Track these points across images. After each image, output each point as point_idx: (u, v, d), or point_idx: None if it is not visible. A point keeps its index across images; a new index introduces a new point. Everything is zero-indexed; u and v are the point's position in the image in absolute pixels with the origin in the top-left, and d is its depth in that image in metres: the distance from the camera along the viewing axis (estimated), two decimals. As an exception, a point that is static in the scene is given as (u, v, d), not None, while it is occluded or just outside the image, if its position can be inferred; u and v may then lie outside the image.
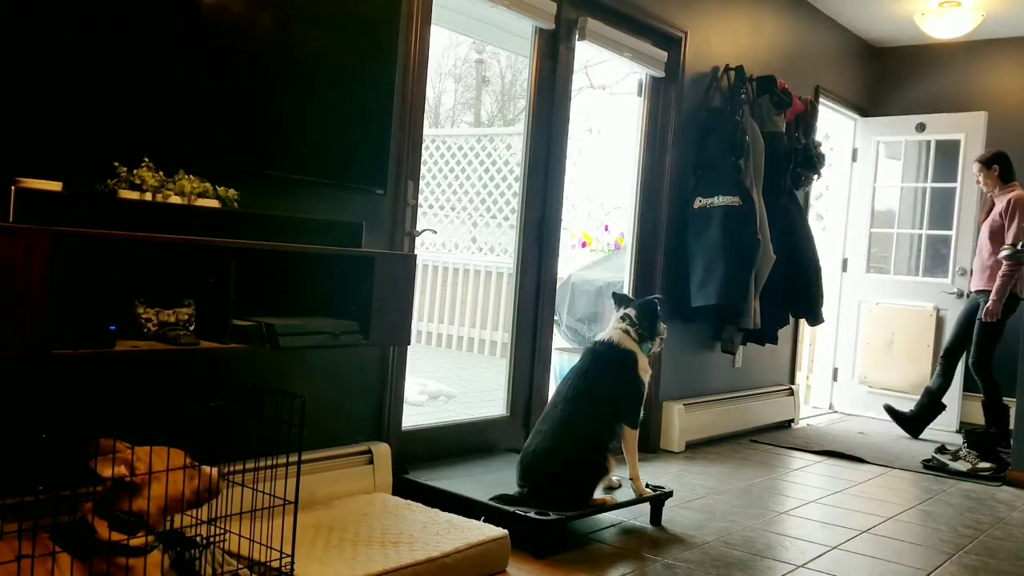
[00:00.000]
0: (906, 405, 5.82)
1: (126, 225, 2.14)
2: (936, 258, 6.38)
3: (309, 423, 2.37)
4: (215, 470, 2.13)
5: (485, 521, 2.92)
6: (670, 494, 3.47)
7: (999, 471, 4.66)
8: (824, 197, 7.28)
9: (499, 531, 2.81)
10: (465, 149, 8.34)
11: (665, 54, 4.68)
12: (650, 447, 4.72)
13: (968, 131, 6.14)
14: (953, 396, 5.79)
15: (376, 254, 2.80)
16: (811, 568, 3.06)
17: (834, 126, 6.80)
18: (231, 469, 2.34)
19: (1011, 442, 4.75)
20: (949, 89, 6.53)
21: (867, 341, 6.45)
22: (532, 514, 2.95)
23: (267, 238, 2.46)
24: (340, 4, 2.87)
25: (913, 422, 5.72)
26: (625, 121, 6.21)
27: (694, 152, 4.89)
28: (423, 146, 3.49)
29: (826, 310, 5.51)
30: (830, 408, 6.65)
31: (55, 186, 2.08)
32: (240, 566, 2.26)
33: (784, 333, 5.62)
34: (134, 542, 1.95)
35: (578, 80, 4.95)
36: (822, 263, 5.43)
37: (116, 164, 2.24)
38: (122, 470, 1.95)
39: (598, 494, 3.23)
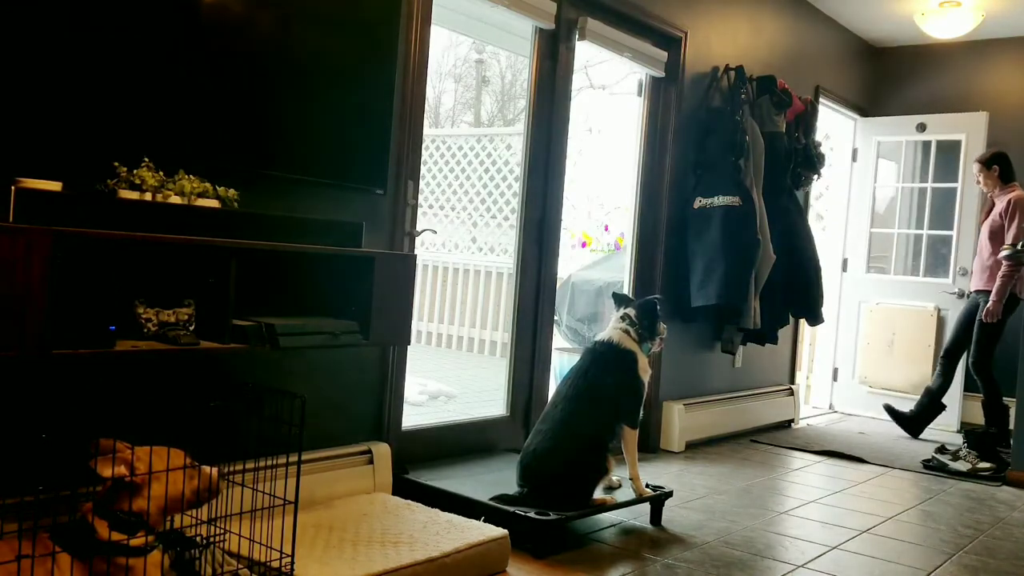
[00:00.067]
0: (907, 405, 5.82)
1: (126, 225, 2.14)
2: (937, 258, 6.38)
3: (309, 423, 2.37)
4: (215, 470, 2.13)
5: (485, 521, 2.92)
6: (670, 494, 3.47)
7: (999, 471, 4.66)
8: (824, 197, 7.28)
9: (499, 531, 2.81)
10: (465, 149, 8.34)
11: (665, 54, 4.68)
12: (650, 447, 4.72)
13: (969, 131, 6.14)
14: (953, 396, 5.80)
15: (376, 254, 2.80)
16: (811, 568, 3.06)
17: (834, 126, 6.80)
18: (231, 469, 2.34)
19: (1011, 442, 4.75)
20: (949, 89, 6.53)
21: (867, 341, 6.45)
22: (532, 514, 2.95)
23: (267, 238, 2.46)
24: (340, 4, 2.87)
25: (913, 422, 5.72)
26: (625, 121, 6.21)
27: (694, 152, 4.89)
28: (423, 146, 3.49)
29: (826, 310, 5.51)
30: (830, 408, 6.65)
31: (55, 186, 2.08)
32: (240, 566, 2.26)
33: (784, 333, 5.62)
34: (134, 542, 1.95)
35: (578, 80, 4.95)
36: (822, 263, 5.43)
37: (116, 164, 2.24)
38: (122, 470, 1.95)
39: (598, 494, 3.23)
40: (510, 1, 3.71)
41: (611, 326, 3.42)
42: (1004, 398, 5.14)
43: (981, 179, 5.46)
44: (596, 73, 7.84)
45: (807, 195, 5.94)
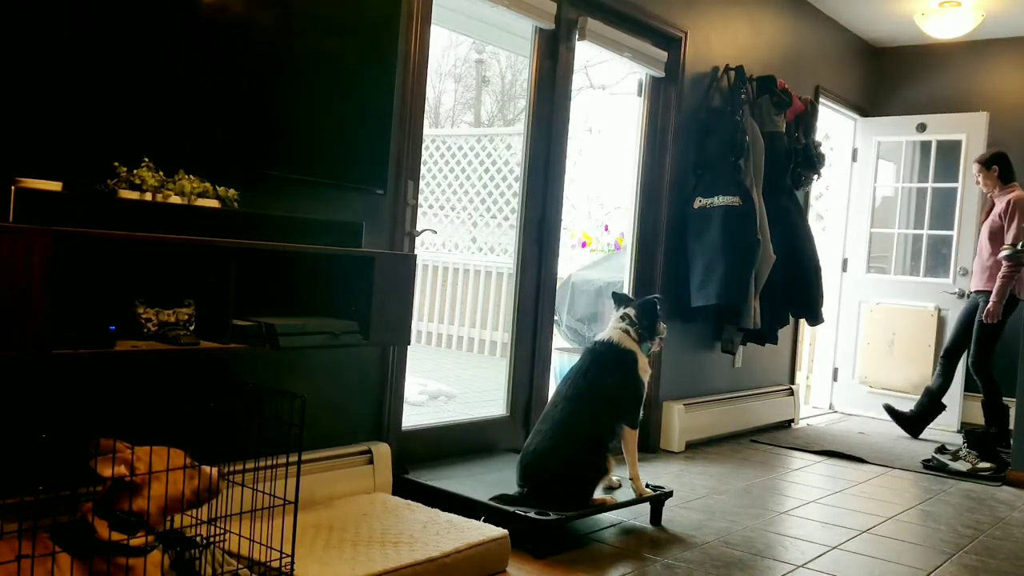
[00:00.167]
0: (907, 405, 5.82)
1: (126, 225, 2.14)
2: (937, 258, 6.38)
3: (309, 423, 2.37)
4: (215, 470, 2.13)
5: (485, 521, 2.92)
6: (670, 494, 3.47)
7: (999, 471, 4.66)
8: (824, 197, 7.28)
9: (499, 531, 2.81)
10: (465, 149, 8.34)
11: (665, 54, 4.68)
12: (650, 447, 4.72)
13: (969, 131, 6.14)
14: (953, 396, 5.80)
15: (376, 254, 2.80)
16: (811, 568, 3.06)
17: (834, 126, 6.80)
18: (231, 469, 2.34)
19: (1011, 442, 4.75)
20: (949, 89, 6.53)
21: (867, 341, 6.45)
22: (532, 514, 2.95)
23: (267, 238, 2.46)
24: (340, 4, 2.87)
25: (913, 422, 5.72)
26: (625, 121, 6.21)
27: (694, 152, 4.89)
28: (423, 146, 3.49)
29: (826, 310, 5.51)
30: (830, 408, 6.65)
31: (55, 186, 2.08)
32: (240, 566, 2.26)
33: (784, 333, 5.62)
34: (134, 542, 1.95)
35: (578, 80, 4.95)
36: (822, 263, 5.43)
37: (116, 164, 2.24)
38: (122, 470, 1.95)
39: (598, 494, 3.23)
40: (510, 1, 3.71)
41: (611, 326, 3.42)
42: (1004, 398, 5.14)
43: (981, 179, 5.46)
44: (596, 73, 7.84)
45: (807, 195, 5.94)
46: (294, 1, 2.73)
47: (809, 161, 5.34)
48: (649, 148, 4.78)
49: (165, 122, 2.42)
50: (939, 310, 6.18)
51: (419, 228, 3.47)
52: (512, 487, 3.17)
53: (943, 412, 5.68)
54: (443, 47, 9.10)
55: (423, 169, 4.57)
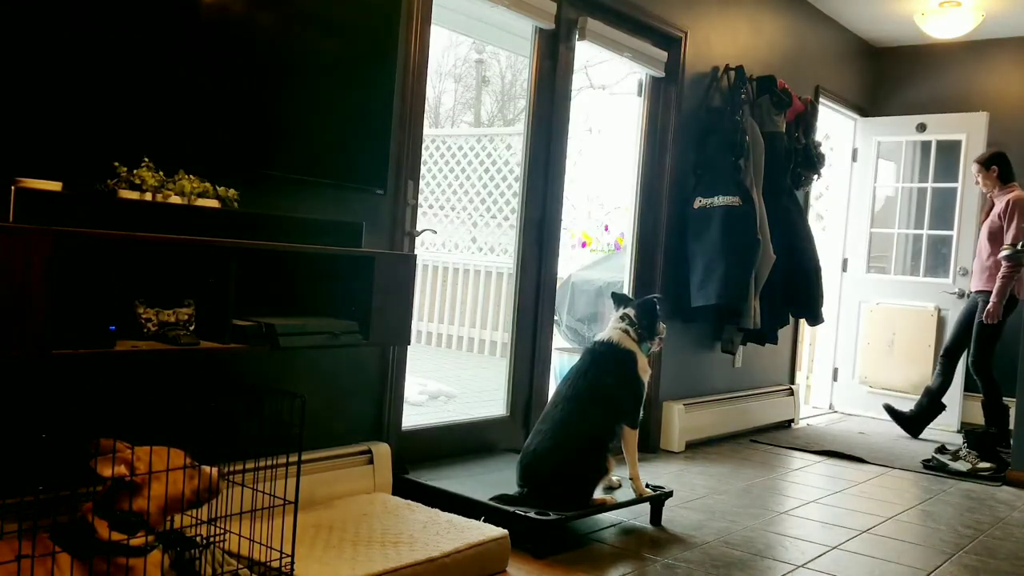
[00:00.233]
0: (907, 405, 5.82)
1: (126, 225, 2.14)
2: (937, 258, 6.38)
3: (309, 423, 2.37)
4: (215, 470, 2.13)
5: (485, 521, 2.92)
6: (670, 494, 3.47)
7: (999, 471, 4.66)
8: (824, 197, 7.28)
9: (499, 531, 2.81)
10: (465, 149, 8.34)
11: (665, 54, 4.68)
12: (650, 447, 4.73)
13: (970, 132, 6.14)
14: (953, 396, 5.80)
15: (376, 254, 2.80)
16: (811, 568, 3.06)
17: (834, 126, 6.80)
18: (231, 469, 2.34)
19: (1011, 442, 4.75)
20: (949, 89, 6.53)
21: (867, 341, 6.45)
22: (532, 514, 2.95)
23: (267, 238, 2.46)
24: (340, 4, 2.87)
25: (913, 422, 5.72)
26: (625, 121, 6.21)
27: (694, 152, 4.89)
28: (423, 146, 3.49)
29: (826, 310, 5.51)
30: (830, 408, 6.65)
31: (55, 186, 2.08)
32: (240, 566, 2.27)
33: (784, 333, 5.62)
34: (134, 542, 1.95)
35: (578, 80, 4.95)
36: (822, 263, 5.43)
37: (116, 164, 2.24)
38: (122, 470, 1.95)
39: (598, 494, 3.23)
40: (510, 1, 3.71)
41: (610, 326, 3.42)
42: (1004, 398, 5.14)
43: (980, 179, 5.46)
44: (596, 73, 7.84)
45: (807, 195, 5.94)
46: (294, 1, 2.73)
47: (809, 161, 5.34)
48: (649, 148, 4.78)
49: (165, 122, 2.42)
50: (939, 310, 6.18)
51: (419, 228, 3.47)
52: (512, 487, 3.17)
53: (943, 412, 5.68)
54: (443, 47, 9.10)
55: (423, 169, 4.57)
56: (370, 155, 3.01)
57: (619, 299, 3.51)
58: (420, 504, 3.03)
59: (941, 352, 5.68)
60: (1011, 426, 4.81)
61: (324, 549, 2.53)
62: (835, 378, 6.67)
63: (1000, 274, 5.10)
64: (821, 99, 6.03)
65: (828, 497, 4.10)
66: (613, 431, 3.30)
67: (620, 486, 3.39)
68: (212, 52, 2.51)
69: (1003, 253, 5.08)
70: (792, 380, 6.08)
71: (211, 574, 2.18)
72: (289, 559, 2.27)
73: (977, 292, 5.39)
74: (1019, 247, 4.99)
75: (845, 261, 6.64)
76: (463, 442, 3.83)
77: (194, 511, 2.20)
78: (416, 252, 3.39)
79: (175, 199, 2.28)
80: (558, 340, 5.29)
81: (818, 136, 5.63)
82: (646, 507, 3.42)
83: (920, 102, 6.58)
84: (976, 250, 5.59)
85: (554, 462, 3.14)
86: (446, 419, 4.39)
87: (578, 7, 4.13)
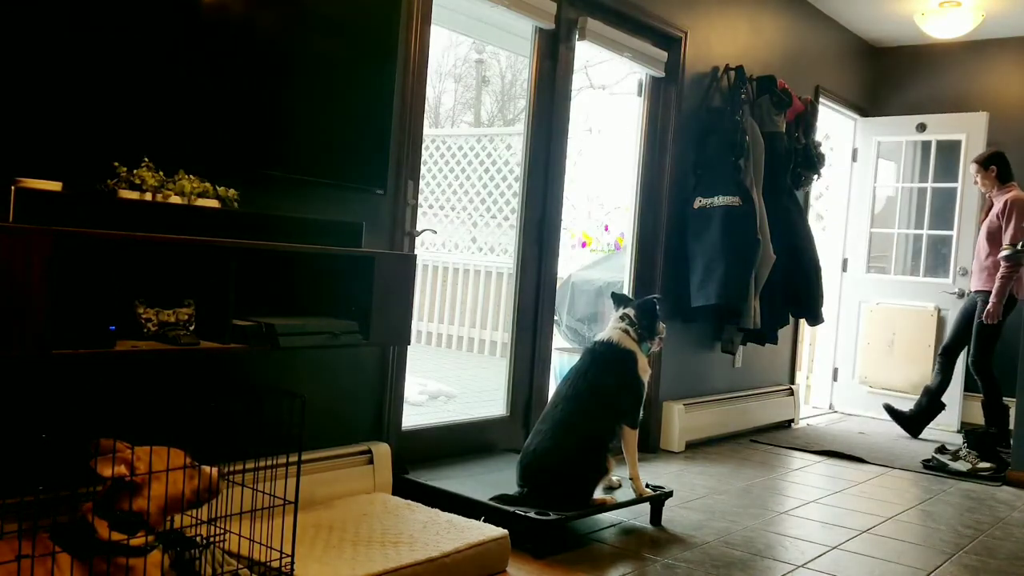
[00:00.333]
0: (907, 405, 5.82)
1: (126, 225, 2.14)
2: (937, 258, 6.38)
3: (309, 423, 2.37)
4: (215, 470, 2.13)
5: (485, 521, 2.92)
6: (670, 494, 3.47)
7: (999, 471, 4.66)
8: (824, 197, 7.28)
9: (499, 531, 2.81)
10: (465, 149, 8.34)
11: (665, 54, 4.68)
12: (650, 447, 4.73)
13: (969, 132, 6.14)
14: (953, 396, 5.80)
15: (376, 254, 2.80)
16: (811, 568, 3.06)
17: (834, 126, 6.80)
18: (231, 469, 2.34)
19: (1011, 442, 4.75)
20: (949, 89, 6.53)
21: (867, 341, 6.45)
22: (532, 514, 2.95)
23: (267, 238, 2.46)
24: (340, 4, 2.87)
25: (913, 421, 5.72)
26: (625, 121, 6.21)
27: (694, 152, 4.89)
28: (423, 146, 3.49)
29: (826, 310, 5.51)
30: (830, 408, 6.65)
31: (55, 186, 2.08)
32: (240, 566, 2.27)
33: (784, 333, 5.62)
34: (134, 542, 1.95)
35: (578, 80, 4.95)
36: (822, 263, 5.43)
37: (116, 164, 2.24)
38: (122, 470, 1.95)
39: (598, 494, 3.23)
40: (510, 1, 3.71)
41: (610, 326, 3.42)
42: (1004, 398, 5.14)
43: (979, 179, 5.46)
44: (596, 73, 7.84)
45: (807, 195, 5.94)
46: (294, 1, 2.73)
47: (809, 161, 5.34)
48: (649, 148, 4.78)
49: (165, 122, 2.42)
50: (939, 310, 6.18)
51: (419, 228, 3.47)
52: (512, 487, 3.17)
53: (943, 411, 5.69)
54: (443, 47, 9.10)
55: (423, 169, 4.57)
56: (370, 155, 3.01)
57: (619, 299, 3.51)
58: (420, 504, 3.03)
59: (939, 350, 5.69)
60: (1011, 426, 4.81)
61: (324, 549, 2.53)
62: (835, 378, 6.67)
63: (999, 274, 5.10)
64: (821, 99, 6.03)
65: (828, 497, 4.10)
66: (613, 431, 3.30)
67: (620, 486, 3.39)
68: (212, 52, 2.51)
69: (1002, 253, 5.08)
70: (792, 380, 6.08)
71: (211, 574, 2.18)
72: (289, 559, 2.27)
73: (976, 292, 5.39)
74: (1018, 247, 4.99)
75: (845, 261, 6.64)
76: (463, 442, 3.83)
77: (194, 511, 2.19)
78: (416, 252, 3.39)
79: (175, 199, 2.28)
80: (558, 340, 5.29)
81: (818, 136, 5.63)
82: (646, 507, 3.42)
83: (920, 102, 6.58)
84: (975, 250, 5.60)
85: (554, 462, 3.14)
86: (446, 419, 4.39)
87: (578, 7, 4.13)
